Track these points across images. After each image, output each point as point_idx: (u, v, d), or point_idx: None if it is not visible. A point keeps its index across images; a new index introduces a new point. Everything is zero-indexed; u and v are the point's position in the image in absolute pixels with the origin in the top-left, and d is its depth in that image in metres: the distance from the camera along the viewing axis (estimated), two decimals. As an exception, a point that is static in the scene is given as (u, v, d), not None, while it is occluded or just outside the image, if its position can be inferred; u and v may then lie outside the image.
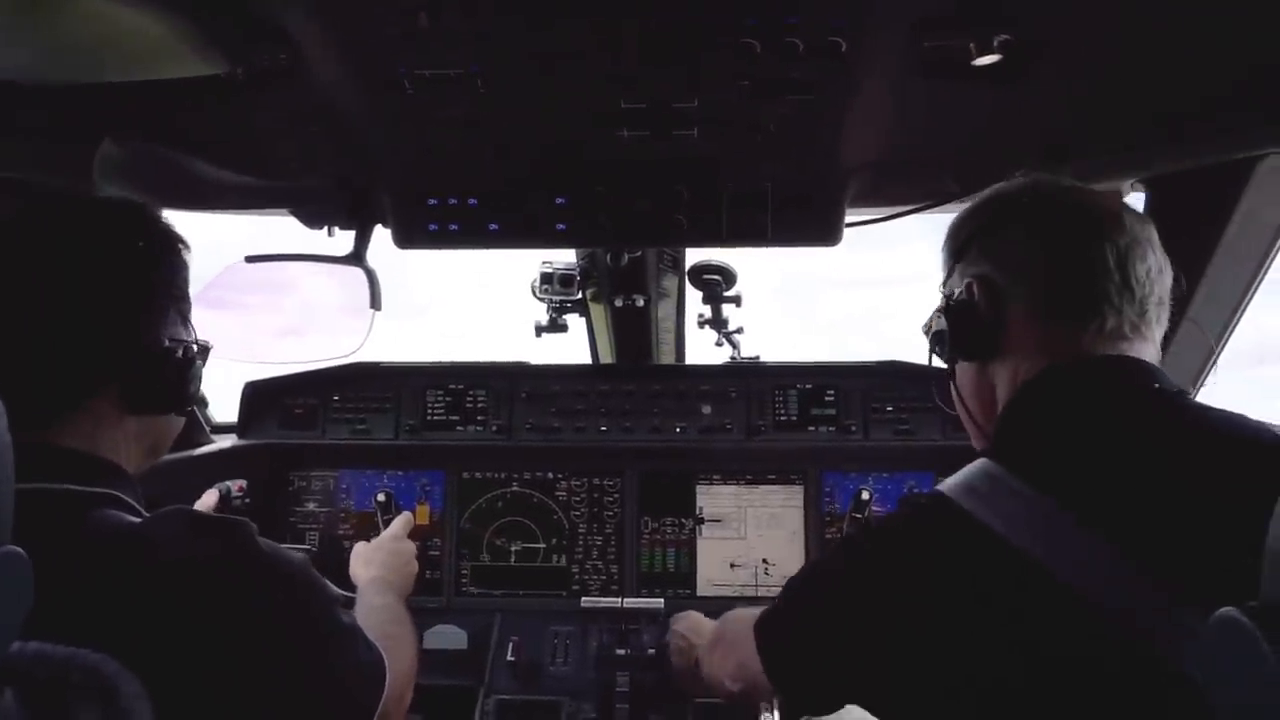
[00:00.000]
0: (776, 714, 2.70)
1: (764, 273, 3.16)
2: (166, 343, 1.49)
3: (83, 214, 1.49)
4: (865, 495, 2.47)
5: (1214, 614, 0.82)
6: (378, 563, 2.34)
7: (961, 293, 1.51)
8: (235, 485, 2.78)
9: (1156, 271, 1.44)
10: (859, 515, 2.46)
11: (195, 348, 1.57)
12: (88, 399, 1.41)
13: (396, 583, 2.28)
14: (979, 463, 1.36)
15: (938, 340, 1.60)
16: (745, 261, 3.02)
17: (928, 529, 1.33)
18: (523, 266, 3.05)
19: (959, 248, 1.56)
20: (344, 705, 1.51)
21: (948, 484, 1.35)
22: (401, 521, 2.56)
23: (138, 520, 1.35)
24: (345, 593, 2.55)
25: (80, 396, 1.41)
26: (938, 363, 1.65)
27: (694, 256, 2.91)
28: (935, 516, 1.33)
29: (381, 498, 2.82)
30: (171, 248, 1.55)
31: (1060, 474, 1.26)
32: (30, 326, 1.36)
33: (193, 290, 1.60)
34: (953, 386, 1.62)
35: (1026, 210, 1.50)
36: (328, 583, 1.53)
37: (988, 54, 1.50)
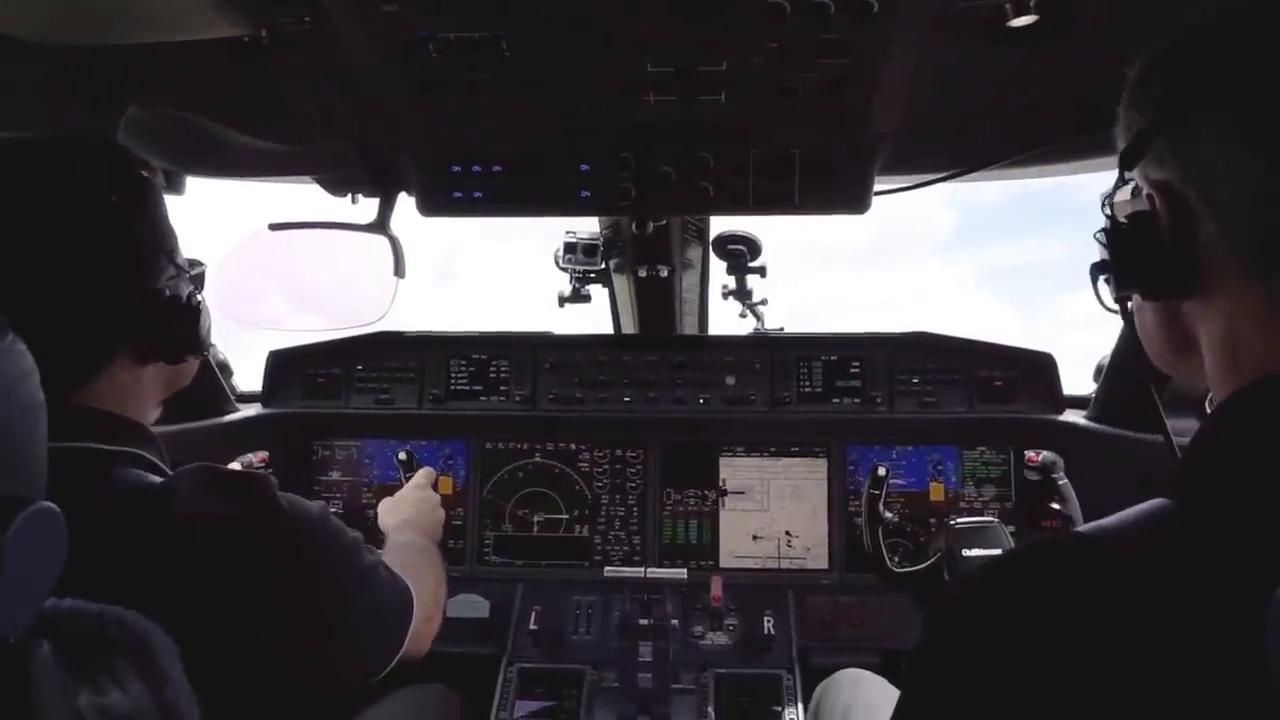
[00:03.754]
0: (799, 682, 2.72)
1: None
2: (167, 291, 1.47)
3: (51, 171, 1.40)
4: (882, 471, 2.44)
5: (1278, 592, 0.68)
6: (403, 510, 2.41)
7: (1139, 205, 1.04)
8: (257, 457, 2.82)
9: None
10: (876, 492, 2.44)
11: (193, 286, 1.56)
12: (103, 363, 1.41)
13: (423, 525, 2.35)
14: (1155, 505, 0.91)
15: (1101, 271, 1.12)
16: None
17: (1061, 592, 0.85)
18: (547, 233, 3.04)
19: (1135, 140, 1.03)
20: (372, 644, 1.56)
21: (1097, 527, 0.91)
22: (424, 474, 2.61)
23: (160, 478, 1.36)
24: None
25: (94, 362, 1.40)
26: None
27: (718, 226, 2.89)
28: (1075, 574, 0.86)
29: (403, 456, 2.84)
30: (144, 184, 1.50)
31: None
32: (25, 298, 1.30)
33: (216, 258, 1.60)
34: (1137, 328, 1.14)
35: (1243, 70, 0.93)
36: (346, 527, 1.55)
37: (1024, 14, 1.46)
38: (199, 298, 1.56)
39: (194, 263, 1.59)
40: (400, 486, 2.76)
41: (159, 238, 1.50)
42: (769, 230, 2.96)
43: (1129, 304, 1.14)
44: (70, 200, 1.38)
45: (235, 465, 2.75)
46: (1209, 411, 0.99)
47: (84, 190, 1.40)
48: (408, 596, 1.65)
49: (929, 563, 2.24)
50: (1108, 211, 1.12)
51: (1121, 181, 1.10)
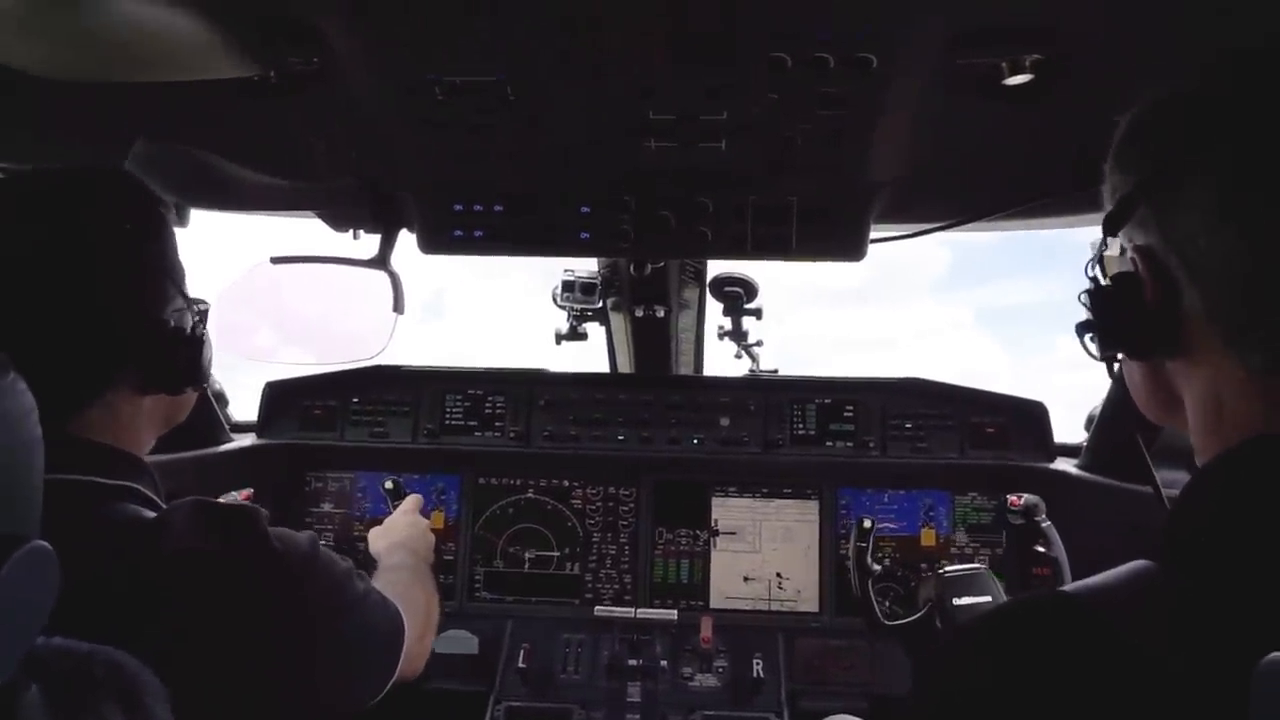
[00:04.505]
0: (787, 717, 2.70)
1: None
2: (172, 321, 1.49)
3: (66, 197, 1.45)
4: (868, 524, 2.44)
5: (1263, 660, 0.68)
6: (393, 534, 2.39)
7: (1125, 266, 1.04)
8: (242, 495, 2.79)
9: None
10: (863, 544, 2.44)
11: (198, 319, 1.58)
12: (102, 390, 1.42)
13: (413, 547, 2.33)
14: (1142, 565, 0.92)
15: (1086, 330, 1.13)
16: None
17: (1047, 653, 0.86)
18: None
19: (1119, 206, 1.04)
20: (366, 670, 1.56)
21: (1084, 586, 0.92)
22: (412, 500, 2.60)
23: (153, 513, 1.36)
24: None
25: (94, 389, 1.41)
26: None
27: (716, 268, 2.91)
28: (1062, 634, 0.87)
29: (389, 485, 2.80)
30: (158, 217, 1.54)
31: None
32: (31, 323, 1.34)
33: (217, 290, 1.61)
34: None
35: (1225, 146, 0.93)
36: (337, 556, 1.55)
37: (1020, 73, 1.49)
38: (203, 331, 1.58)
39: (198, 300, 1.61)
40: (388, 510, 2.76)
41: (169, 269, 1.53)
42: (766, 269, 2.99)
43: (1115, 362, 1.14)
44: (84, 225, 1.41)
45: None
46: (1196, 470, 1.00)
47: (99, 216, 1.44)
48: (398, 620, 1.65)
49: (919, 614, 2.23)
50: (1091, 273, 1.13)
51: (1105, 244, 1.10)
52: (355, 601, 1.53)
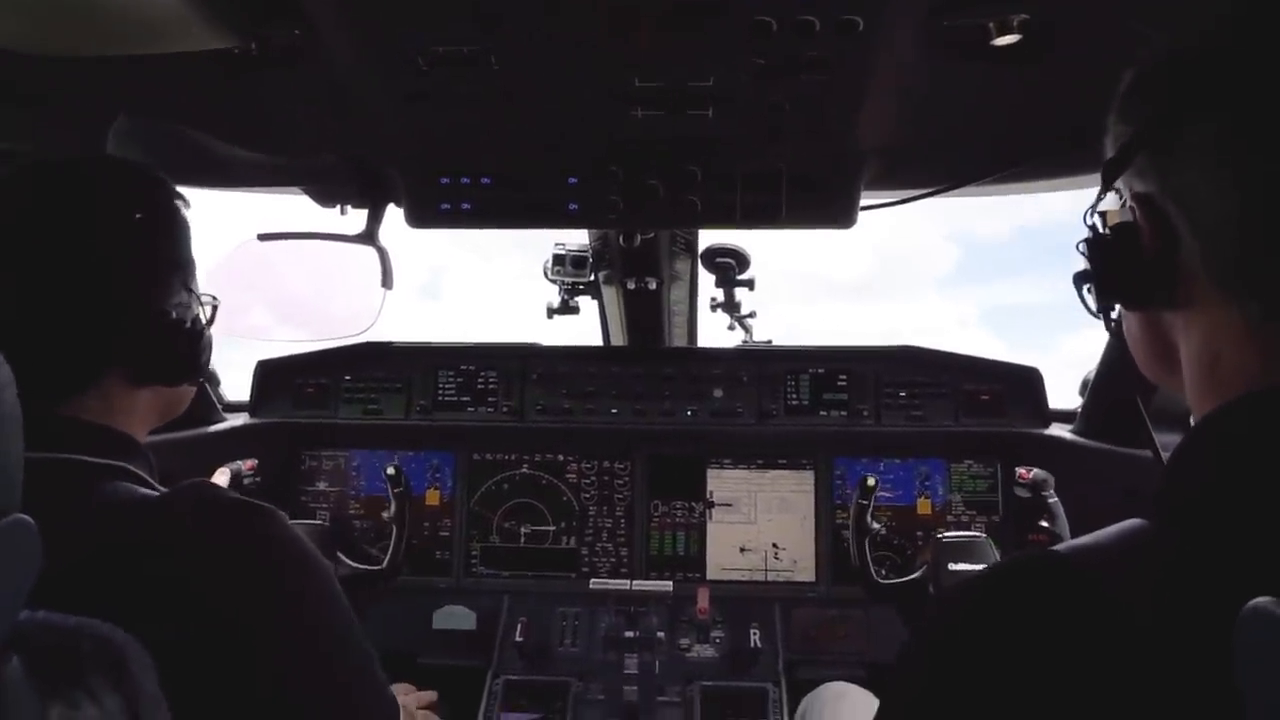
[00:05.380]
0: (784, 695, 2.72)
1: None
2: (174, 314, 1.48)
3: (80, 182, 1.46)
4: (871, 482, 2.44)
5: (1246, 605, 0.67)
6: None
7: (1124, 216, 1.04)
8: (246, 464, 2.80)
9: None
10: (865, 502, 2.44)
11: (203, 314, 1.57)
12: (99, 376, 1.41)
13: None
14: (1134, 524, 0.91)
15: (1084, 280, 1.13)
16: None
17: (1038, 613, 0.85)
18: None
19: (1119, 153, 1.03)
20: (358, 710, 1.46)
21: (1076, 546, 0.91)
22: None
23: (155, 493, 1.34)
24: (360, 565, 2.56)
25: (91, 374, 1.40)
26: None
27: (707, 239, 2.90)
28: (1053, 594, 0.86)
29: (391, 470, 2.72)
30: (171, 210, 1.54)
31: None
32: (32, 304, 1.35)
33: (206, 267, 1.60)
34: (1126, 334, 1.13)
35: (1224, 95, 0.93)
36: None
37: (1008, 34, 1.47)
38: (204, 325, 1.58)
39: (207, 295, 1.61)
40: (387, 501, 2.75)
41: (176, 262, 1.53)
42: (765, 253, 2.99)
43: (1113, 314, 1.13)
44: (90, 214, 1.42)
45: (224, 471, 2.74)
46: (1191, 427, 0.99)
47: (106, 206, 1.44)
48: (395, 708, 1.54)
49: (915, 575, 2.24)
50: (1090, 221, 1.11)
51: (1104, 193, 1.09)
52: (362, 645, 1.45)
